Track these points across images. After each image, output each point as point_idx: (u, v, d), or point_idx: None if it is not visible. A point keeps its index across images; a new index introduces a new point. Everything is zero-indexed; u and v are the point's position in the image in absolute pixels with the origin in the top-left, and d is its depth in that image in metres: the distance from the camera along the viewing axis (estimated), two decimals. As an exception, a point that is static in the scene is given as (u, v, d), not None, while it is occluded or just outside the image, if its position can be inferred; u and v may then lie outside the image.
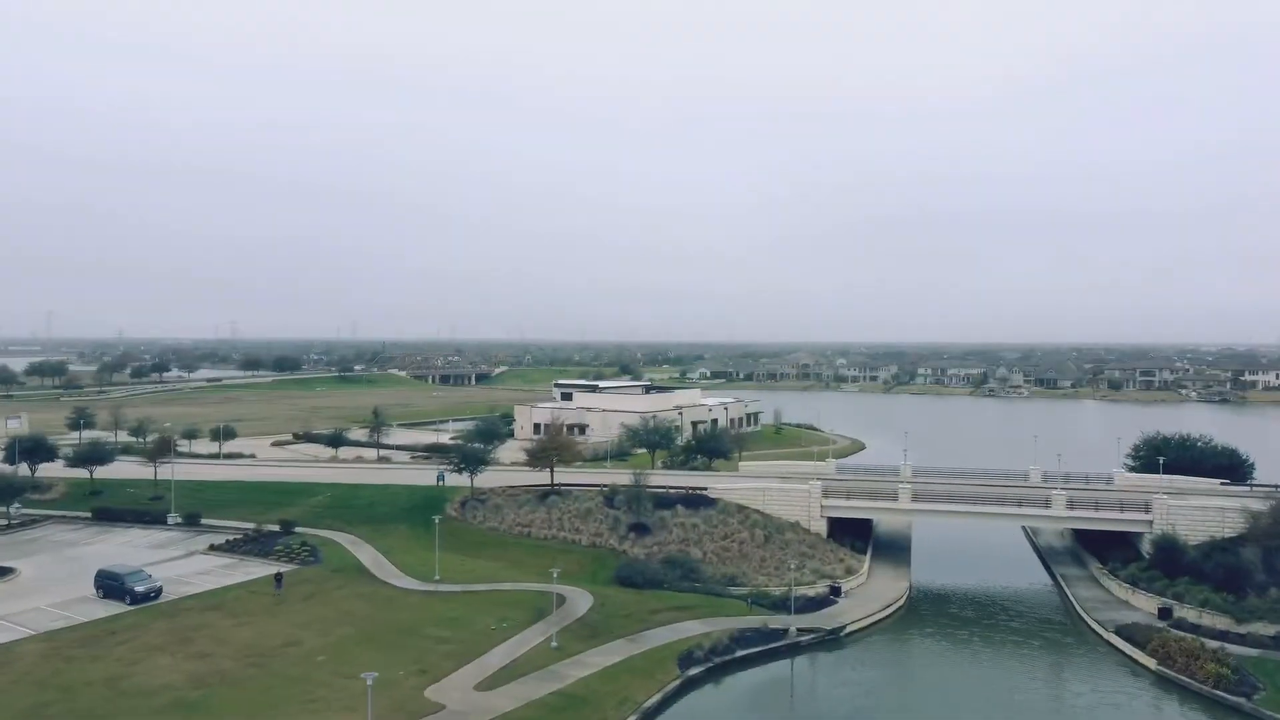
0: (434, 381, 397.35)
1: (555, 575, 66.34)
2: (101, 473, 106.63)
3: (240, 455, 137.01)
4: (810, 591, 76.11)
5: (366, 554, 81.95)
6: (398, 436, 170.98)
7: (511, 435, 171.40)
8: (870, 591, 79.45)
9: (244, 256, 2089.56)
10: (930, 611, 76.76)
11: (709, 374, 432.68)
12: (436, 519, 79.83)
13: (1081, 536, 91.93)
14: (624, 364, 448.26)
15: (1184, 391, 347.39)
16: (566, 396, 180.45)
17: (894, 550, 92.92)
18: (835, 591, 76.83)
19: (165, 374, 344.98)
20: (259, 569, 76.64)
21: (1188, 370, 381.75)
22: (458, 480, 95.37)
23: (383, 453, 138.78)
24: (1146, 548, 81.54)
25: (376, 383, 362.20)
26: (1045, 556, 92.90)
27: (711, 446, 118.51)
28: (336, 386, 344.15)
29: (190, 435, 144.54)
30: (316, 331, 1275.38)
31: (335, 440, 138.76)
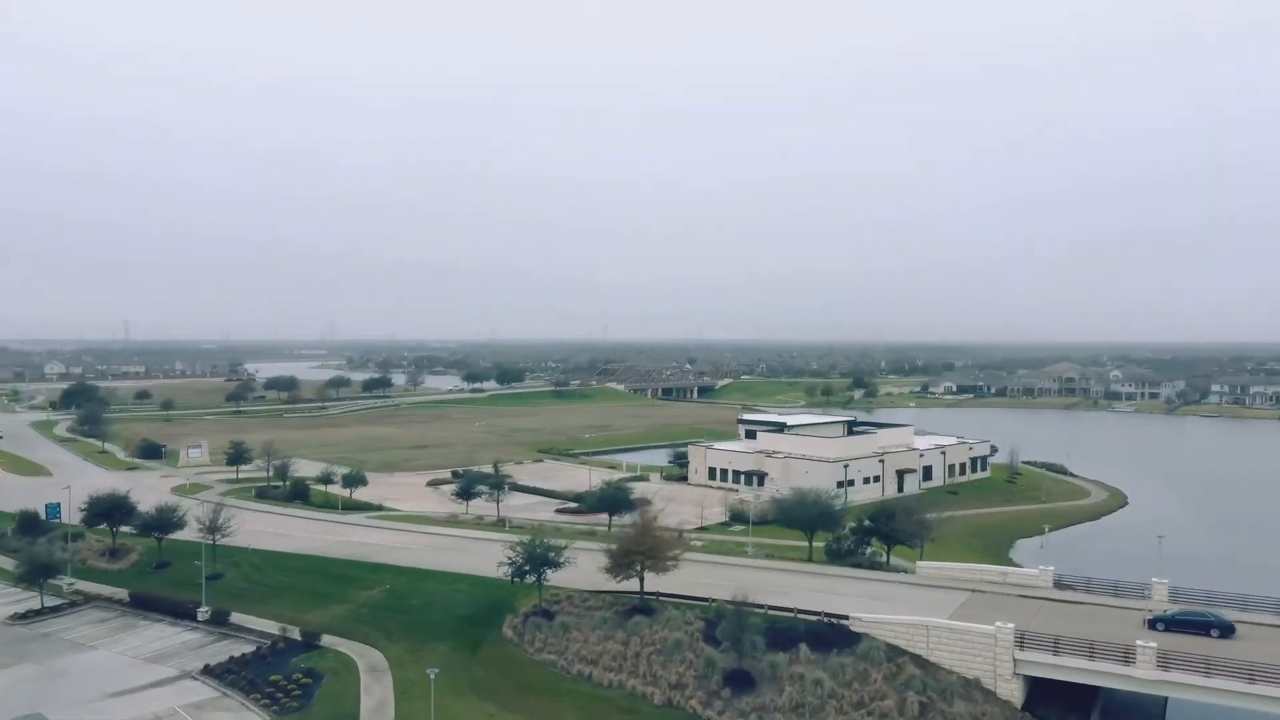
0: (654, 395, 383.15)
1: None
2: (178, 535, 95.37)
3: (366, 507, 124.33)
4: (974, 829, 48.73)
5: (376, 694, 62.86)
6: (560, 478, 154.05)
7: (681, 479, 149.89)
8: (1080, 825, 50.59)
9: (503, 265, 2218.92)
10: None
11: (954, 389, 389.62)
12: (431, 675, 58.56)
13: None
14: (859, 376, 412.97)
15: None
16: (750, 435, 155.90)
17: (1134, 730, 62.29)
18: (1016, 831, 48.88)
19: (389, 387, 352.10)
20: (229, 715, 59.64)
21: None
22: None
23: (508, 508, 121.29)
24: None
25: (591, 398, 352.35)
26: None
27: (889, 529, 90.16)
28: (550, 402, 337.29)
29: (325, 480, 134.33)
30: (569, 334, 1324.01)
31: (466, 490, 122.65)
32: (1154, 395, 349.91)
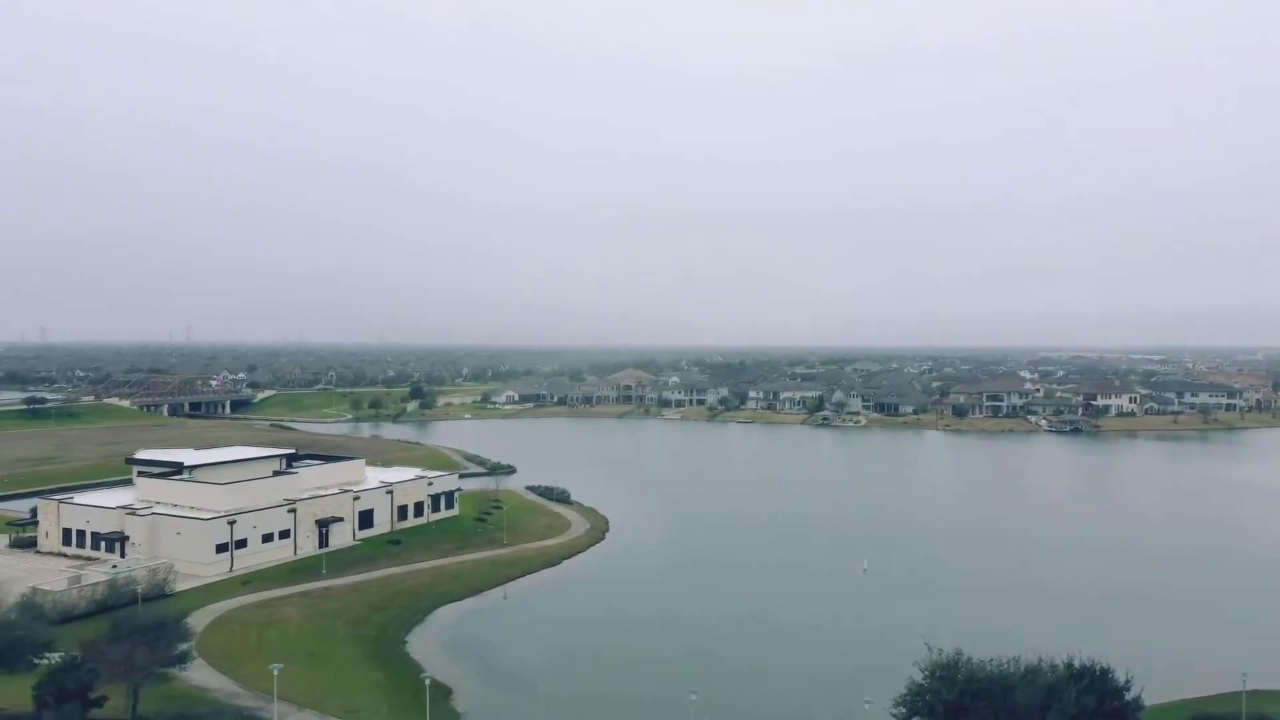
0: (173, 412, 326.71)
1: None
2: None
3: None
4: None
5: None
6: None
7: (33, 544, 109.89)
8: None
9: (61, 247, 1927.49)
10: None
11: (516, 398, 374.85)
12: None
13: None
14: (417, 385, 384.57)
15: (1034, 419, 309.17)
16: (145, 479, 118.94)
17: None
18: None
19: None
20: None
21: (1038, 392, 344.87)
22: None
23: None
24: None
25: (79, 417, 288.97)
26: None
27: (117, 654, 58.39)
28: (13, 425, 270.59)
29: None
30: (147, 335, 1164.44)
31: None
32: (701, 402, 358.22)
